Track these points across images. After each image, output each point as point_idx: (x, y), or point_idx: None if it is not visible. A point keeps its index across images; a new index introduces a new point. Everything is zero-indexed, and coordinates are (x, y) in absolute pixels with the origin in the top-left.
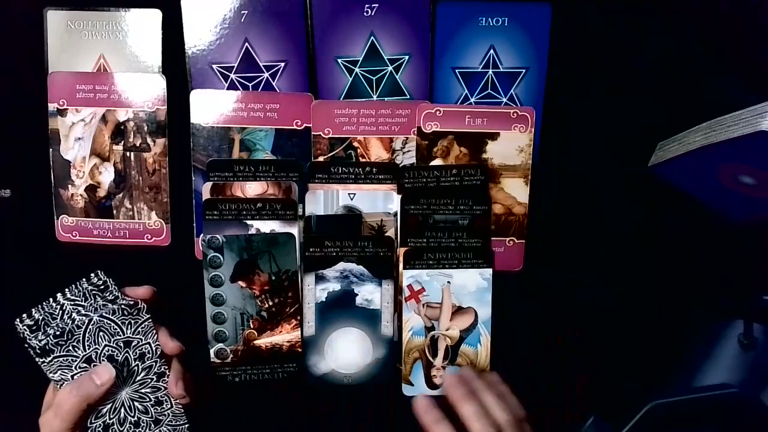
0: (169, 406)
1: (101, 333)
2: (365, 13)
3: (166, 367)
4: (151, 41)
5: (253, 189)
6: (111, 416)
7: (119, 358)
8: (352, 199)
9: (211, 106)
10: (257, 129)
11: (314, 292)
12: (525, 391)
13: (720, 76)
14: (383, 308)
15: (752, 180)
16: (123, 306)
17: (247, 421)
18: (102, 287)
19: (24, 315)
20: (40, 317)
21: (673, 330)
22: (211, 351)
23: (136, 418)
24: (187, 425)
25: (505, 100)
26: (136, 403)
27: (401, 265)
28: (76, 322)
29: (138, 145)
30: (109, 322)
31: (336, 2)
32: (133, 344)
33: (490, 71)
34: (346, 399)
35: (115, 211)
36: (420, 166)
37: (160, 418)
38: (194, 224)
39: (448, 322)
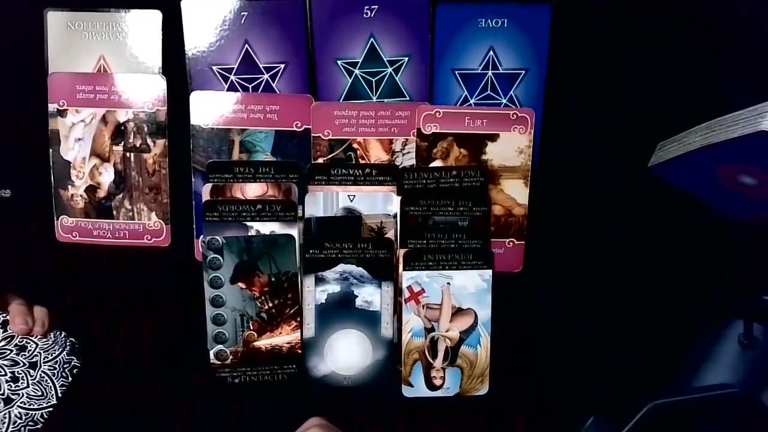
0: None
1: None
2: (365, 15)
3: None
4: (152, 42)
5: (253, 190)
6: None
7: None
8: (351, 201)
9: (211, 108)
10: (257, 130)
11: (314, 293)
12: (525, 392)
13: (720, 76)
14: (383, 310)
15: (752, 180)
16: None
17: (247, 422)
18: None
19: None
20: None
21: (673, 330)
22: (211, 353)
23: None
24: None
25: (504, 101)
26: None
27: (401, 267)
28: None
29: (138, 146)
30: None
31: (336, 4)
32: None
33: (490, 72)
34: (345, 401)
35: (115, 212)
36: (420, 167)
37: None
38: (194, 225)
39: (448, 324)
